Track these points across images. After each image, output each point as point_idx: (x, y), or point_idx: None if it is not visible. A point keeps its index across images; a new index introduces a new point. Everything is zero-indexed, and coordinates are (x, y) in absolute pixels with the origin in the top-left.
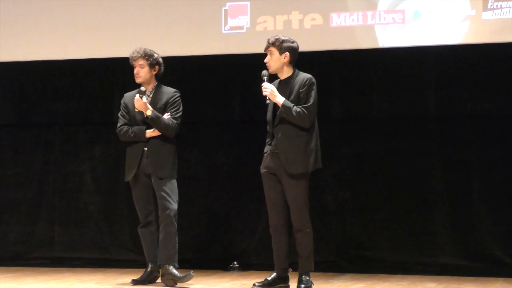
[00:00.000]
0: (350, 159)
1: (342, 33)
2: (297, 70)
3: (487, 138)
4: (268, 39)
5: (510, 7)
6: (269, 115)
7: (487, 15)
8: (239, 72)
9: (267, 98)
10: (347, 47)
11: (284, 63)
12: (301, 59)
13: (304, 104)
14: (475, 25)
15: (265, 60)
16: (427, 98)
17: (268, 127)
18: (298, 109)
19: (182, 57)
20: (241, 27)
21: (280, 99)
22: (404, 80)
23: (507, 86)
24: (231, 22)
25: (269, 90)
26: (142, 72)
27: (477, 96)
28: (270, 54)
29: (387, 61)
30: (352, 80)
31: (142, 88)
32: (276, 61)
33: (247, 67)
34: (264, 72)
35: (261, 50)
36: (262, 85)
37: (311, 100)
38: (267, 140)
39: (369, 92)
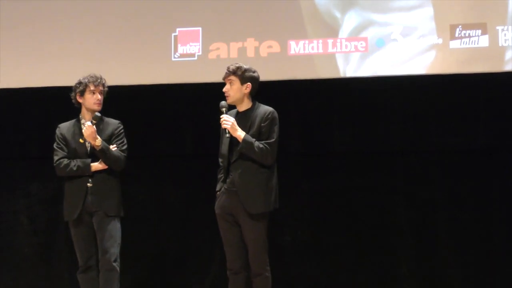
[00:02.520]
0: (309, 196)
1: (301, 61)
2: (257, 102)
3: (455, 174)
4: (229, 67)
5: (479, 36)
6: (224, 148)
7: (454, 44)
8: (190, 102)
9: (227, 131)
10: (306, 76)
11: (245, 94)
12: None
13: (266, 139)
14: (442, 55)
15: (224, 90)
16: (391, 131)
17: (221, 162)
18: (261, 145)
19: (128, 86)
20: (192, 55)
21: (241, 134)
22: (366, 112)
23: (475, 119)
24: (182, 49)
25: (229, 123)
26: (102, 99)
27: (444, 129)
28: (230, 83)
29: (349, 92)
30: (311, 112)
31: (98, 114)
32: (237, 92)
33: (198, 97)
34: (223, 103)
35: (213, 79)
36: (221, 117)
37: (274, 136)
38: (220, 176)
39: (329, 125)
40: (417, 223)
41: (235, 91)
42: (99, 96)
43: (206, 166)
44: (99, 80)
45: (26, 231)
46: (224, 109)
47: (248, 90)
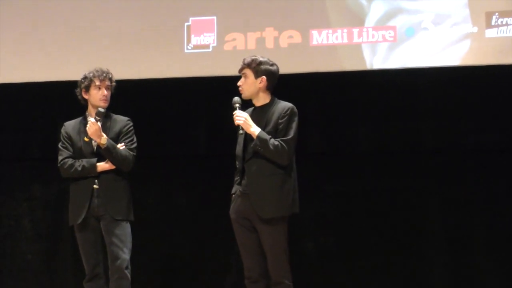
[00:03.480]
0: (333, 199)
1: (324, 53)
2: (275, 98)
3: (491, 174)
4: (244, 60)
5: None
6: (239, 148)
7: (491, 33)
8: (204, 97)
9: (240, 128)
10: (329, 69)
11: (260, 88)
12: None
13: (283, 137)
14: (477, 44)
15: (239, 83)
16: (422, 128)
17: (237, 163)
18: (276, 143)
19: (137, 81)
20: (206, 46)
21: (255, 130)
22: (395, 107)
23: None
24: (195, 40)
25: (242, 118)
26: (108, 95)
27: (480, 126)
28: (245, 76)
29: (376, 85)
30: (334, 107)
31: (101, 109)
32: (251, 86)
33: (213, 92)
34: (236, 99)
35: (229, 72)
36: (234, 113)
37: (291, 133)
38: (236, 178)
39: (354, 122)
40: (450, 226)
41: (249, 85)
42: (106, 92)
43: (221, 167)
44: (105, 75)
45: (28, 236)
46: (237, 105)
47: (263, 84)
